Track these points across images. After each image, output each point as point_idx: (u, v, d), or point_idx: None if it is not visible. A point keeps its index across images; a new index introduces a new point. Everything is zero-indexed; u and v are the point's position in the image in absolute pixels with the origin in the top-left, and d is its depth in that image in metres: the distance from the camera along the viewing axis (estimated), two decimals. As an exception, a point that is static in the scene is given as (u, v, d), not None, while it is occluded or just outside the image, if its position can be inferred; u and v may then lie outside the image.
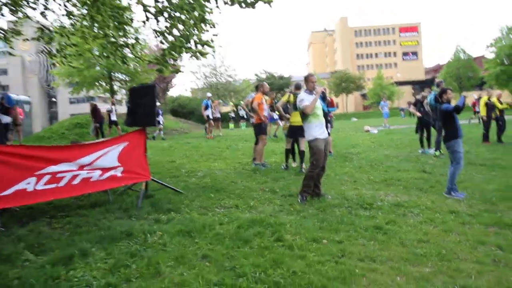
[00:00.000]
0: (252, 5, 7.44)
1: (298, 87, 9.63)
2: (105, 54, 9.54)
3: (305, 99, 6.75)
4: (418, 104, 12.95)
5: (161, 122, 21.11)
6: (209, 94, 21.47)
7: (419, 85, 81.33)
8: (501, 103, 14.76)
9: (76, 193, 6.04)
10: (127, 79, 27.68)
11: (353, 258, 4.29)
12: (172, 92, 71.22)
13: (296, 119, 9.32)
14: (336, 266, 4.08)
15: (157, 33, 8.09)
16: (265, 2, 7.43)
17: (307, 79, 7.00)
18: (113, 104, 19.82)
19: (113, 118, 18.87)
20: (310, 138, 6.74)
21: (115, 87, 27.80)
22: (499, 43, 45.84)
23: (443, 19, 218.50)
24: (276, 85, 51.37)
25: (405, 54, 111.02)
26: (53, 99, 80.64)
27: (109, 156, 6.41)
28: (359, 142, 15.02)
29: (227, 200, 6.68)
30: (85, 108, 51.43)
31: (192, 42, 8.11)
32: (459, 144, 7.45)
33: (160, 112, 21.50)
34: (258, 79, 53.47)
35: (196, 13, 7.71)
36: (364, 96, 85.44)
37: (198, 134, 24.18)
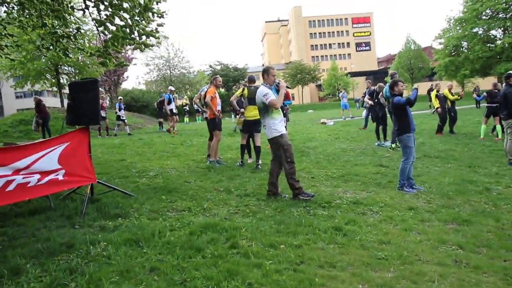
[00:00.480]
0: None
1: (252, 80, 9.34)
2: (44, 45, 8.88)
3: (269, 93, 6.43)
4: (374, 94, 12.91)
5: (122, 118, 20.48)
6: (171, 88, 20.97)
7: (373, 76, 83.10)
8: (452, 94, 15.00)
9: (12, 200, 5.49)
10: (75, 72, 26.53)
11: (312, 265, 4.05)
12: (126, 85, 69.57)
13: (250, 113, 9.03)
14: (295, 274, 3.82)
15: (97, 22, 7.54)
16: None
17: (267, 72, 6.69)
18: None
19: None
20: (275, 134, 6.46)
21: (63, 81, 26.60)
22: (447, 33, 47.14)
23: (395, 8, 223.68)
24: (231, 77, 50.91)
25: (358, 45, 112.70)
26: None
27: (49, 158, 5.88)
28: (316, 136, 14.92)
29: (180, 202, 6.31)
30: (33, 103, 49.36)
31: (136, 33, 7.62)
32: (411, 139, 7.37)
33: (122, 106, 20.80)
34: (212, 70, 52.80)
35: (140, 0, 7.22)
36: (319, 87, 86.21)
37: (152, 129, 23.54)
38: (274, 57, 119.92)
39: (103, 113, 18.81)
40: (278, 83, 6.79)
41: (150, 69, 45.22)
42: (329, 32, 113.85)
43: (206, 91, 9.46)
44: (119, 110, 20.19)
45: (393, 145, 11.59)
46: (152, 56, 45.51)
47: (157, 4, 9.53)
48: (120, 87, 41.89)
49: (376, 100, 12.74)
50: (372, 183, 7.69)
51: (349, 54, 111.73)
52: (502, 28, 45.32)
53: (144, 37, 7.74)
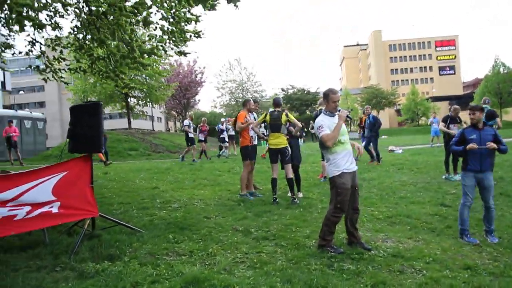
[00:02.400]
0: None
1: (277, 104, 8.36)
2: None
3: (324, 125, 5.30)
4: (449, 120, 11.21)
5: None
6: (222, 120, 20.15)
7: (456, 101, 78.46)
8: None
9: (-6, 235, 4.96)
10: (143, 95, 27.02)
11: None
12: (202, 107, 71.09)
13: (274, 141, 8.03)
14: None
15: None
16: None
17: (327, 96, 5.48)
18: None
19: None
20: (334, 173, 5.25)
21: (131, 103, 27.20)
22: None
23: (484, 30, 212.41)
24: (304, 100, 50.10)
25: (441, 68, 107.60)
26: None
27: (42, 189, 5.30)
28: (380, 165, 13.50)
29: (186, 243, 5.44)
30: (113, 124, 51.70)
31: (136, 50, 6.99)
32: (467, 177, 6.14)
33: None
34: (285, 94, 52.28)
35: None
36: (398, 112, 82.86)
37: (211, 153, 23.15)
38: (352, 82, 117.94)
39: (201, 137, 18.34)
40: (339, 110, 5.57)
41: (222, 92, 45.61)
42: (410, 56, 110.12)
43: (237, 116, 8.67)
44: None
45: None
46: (224, 79, 46.01)
47: (195, 23, 9.08)
48: (192, 110, 42.51)
49: (448, 127, 11.14)
50: (425, 228, 6.34)
51: (431, 78, 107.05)
52: None
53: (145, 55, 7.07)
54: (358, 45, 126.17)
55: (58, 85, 73.72)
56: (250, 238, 5.73)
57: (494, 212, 6.11)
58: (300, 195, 8.73)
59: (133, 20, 6.69)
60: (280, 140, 8.03)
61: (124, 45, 6.83)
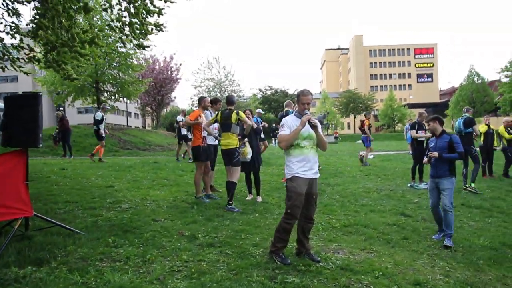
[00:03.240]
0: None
1: (229, 102, 8.02)
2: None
3: (286, 125, 5.01)
4: (416, 127, 11.05)
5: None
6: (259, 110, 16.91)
7: (432, 108, 79.45)
8: (509, 132, 12.89)
9: None
10: (116, 90, 26.37)
11: None
12: (178, 105, 70.23)
13: (224, 141, 7.71)
14: None
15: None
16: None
17: (297, 97, 5.20)
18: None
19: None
20: (286, 176, 5.07)
21: (103, 99, 26.50)
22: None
23: (463, 40, 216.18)
24: (281, 102, 49.91)
25: (420, 76, 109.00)
26: (60, 109, 79.83)
27: (-34, 186, 4.90)
28: (345, 170, 13.30)
29: (125, 248, 5.08)
30: (89, 118, 50.59)
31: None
32: (429, 180, 6.77)
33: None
34: (262, 95, 52.06)
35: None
36: (376, 117, 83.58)
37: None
38: (332, 85, 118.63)
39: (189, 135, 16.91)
40: (306, 113, 5.19)
41: (199, 90, 44.97)
42: (389, 62, 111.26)
43: (191, 114, 8.30)
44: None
45: (473, 184, 10.42)
46: (202, 78, 45.48)
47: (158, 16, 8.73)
48: (167, 106, 41.78)
49: (417, 133, 11.00)
50: (381, 239, 6.10)
51: (409, 85, 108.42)
52: None
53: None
54: (339, 49, 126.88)
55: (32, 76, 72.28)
56: (195, 244, 5.40)
57: (451, 215, 6.22)
58: (259, 199, 8.44)
59: (74, 7, 6.27)
60: (230, 141, 7.67)
61: (63, 33, 6.42)
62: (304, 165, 4.95)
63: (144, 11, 8.22)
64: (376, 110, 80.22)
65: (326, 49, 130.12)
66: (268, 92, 52.83)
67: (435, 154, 6.35)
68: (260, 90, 53.22)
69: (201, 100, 8.53)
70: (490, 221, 7.45)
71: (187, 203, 7.84)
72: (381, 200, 8.86)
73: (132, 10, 7.88)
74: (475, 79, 57.78)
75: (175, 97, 38.64)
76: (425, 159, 6.70)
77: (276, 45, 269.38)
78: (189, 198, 8.26)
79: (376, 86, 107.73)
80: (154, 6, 8.50)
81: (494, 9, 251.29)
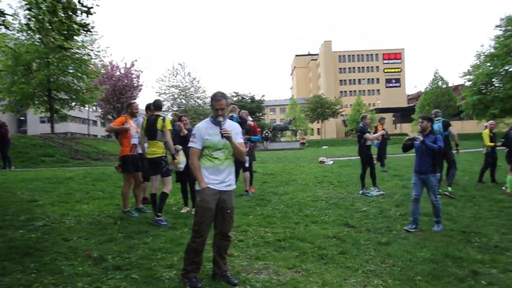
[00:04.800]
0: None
1: (156, 107, 7.39)
2: None
3: (197, 134, 4.42)
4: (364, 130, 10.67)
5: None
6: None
7: (400, 113, 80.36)
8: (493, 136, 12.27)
9: None
10: (70, 98, 25.30)
11: None
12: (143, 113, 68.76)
13: (150, 149, 7.10)
14: None
15: None
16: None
17: (211, 101, 4.58)
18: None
19: None
20: (196, 188, 4.47)
21: (57, 107, 25.37)
22: (476, 70, 44.29)
23: (429, 45, 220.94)
24: (248, 108, 49.47)
25: (388, 81, 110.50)
26: (22, 118, 76.98)
27: None
28: (299, 178, 12.82)
29: (13, 276, 4.41)
30: (59, 127, 48.95)
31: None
32: (413, 175, 7.33)
33: None
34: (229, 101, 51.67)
35: None
36: (345, 122, 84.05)
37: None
38: (302, 91, 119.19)
39: None
40: (220, 121, 4.56)
41: (164, 98, 44.04)
42: (358, 68, 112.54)
43: (115, 121, 7.65)
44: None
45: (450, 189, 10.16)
46: (168, 85, 44.63)
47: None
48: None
49: (363, 140, 10.62)
50: (315, 255, 5.56)
51: (378, 90, 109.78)
52: (537, 67, 42.34)
53: None
54: (309, 54, 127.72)
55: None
56: (100, 267, 4.75)
57: (438, 206, 7.08)
58: (185, 210, 7.88)
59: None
60: (155, 149, 7.05)
61: None
62: (215, 177, 4.39)
63: (68, 10, 7.56)
64: (345, 115, 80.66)
65: (296, 55, 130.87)
66: (234, 99, 52.36)
67: (421, 138, 7.01)
68: (225, 97, 52.60)
69: (128, 106, 7.86)
70: (435, 230, 7.02)
71: (112, 218, 7.16)
72: (327, 209, 8.37)
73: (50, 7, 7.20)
74: (440, 83, 58.56)
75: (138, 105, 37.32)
76: (408, 141, 7.43)
77: (246, 51, 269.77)
78: (117, 212, 7.58)
79: (346, 91, 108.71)
80: (82, 5, 7.86)
81: (459, 15, 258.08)
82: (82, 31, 8.04)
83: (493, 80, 43.70)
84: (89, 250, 5.30)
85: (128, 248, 5.47)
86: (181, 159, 7.50)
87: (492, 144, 11.79)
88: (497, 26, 43.73)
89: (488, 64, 43.25)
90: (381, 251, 5.79)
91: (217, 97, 4.46)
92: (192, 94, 45.42)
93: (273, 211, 8.14)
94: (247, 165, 9.76)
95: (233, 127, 4.49)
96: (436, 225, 7.08)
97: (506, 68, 42.41)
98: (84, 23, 7.91)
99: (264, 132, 43.05)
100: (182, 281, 4.28)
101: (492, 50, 43.17)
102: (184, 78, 45.06)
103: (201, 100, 45.74)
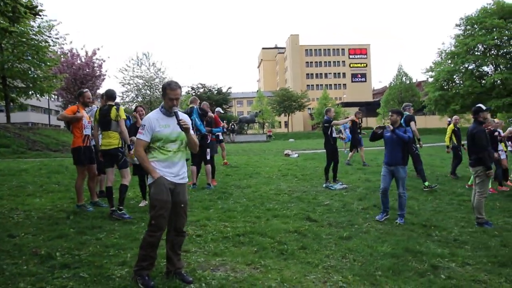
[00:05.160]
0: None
1: (109, 96, 7.06)
2: None
3: (146, 126, 4.11)
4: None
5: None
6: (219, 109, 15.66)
7: (365, 107, 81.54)
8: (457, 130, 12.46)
9: None
10: (27, 86, 24.24)
11: None
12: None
13: (104, 141, 6.80)
14: None
15: None
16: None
17: (164, 90, 4.23)
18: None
19: None
20: (148, 181, 4.20)
21: (12, 95, 24.28)
22: (438, 67, 45.41)
23: (394, 41, 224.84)
24: (214, 100, 49.06)
25: (354, 75, 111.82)
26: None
27: None
28: (263, 170, 12.69)
29: None
30: (18, 117, 47.13)
31: None
32: (383, 167, 7.48)
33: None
34: (194, 93, 50.95)
35: None
36: (311, 116, 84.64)
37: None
38: (270, 84, 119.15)
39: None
40: (175, 112, 4.30)
41: (127, 88, 42.99)
42: (325, 62, 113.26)
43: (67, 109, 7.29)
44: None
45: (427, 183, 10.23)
46: (131, 75, 43.55)
47: None
48: (91, 105, 39.25)
49: (329, 132, 10.59)
50: (275, 250, 5.41)
51: (344, 85, 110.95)
52: (493, 65, 43.79)
53: None
54: (276, 47, 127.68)
55: None
56: (46, 266, 4.45)
57: (404, 199, 7.19)
58: (143, 204, 7.61)
59: None
60: (111, 140, 6.74)
61: None
62: (169, 170, 4.17)
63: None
64: (311, 109, 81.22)
65: (263, 48, 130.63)
66: (201, 90, 51.76)
67: (391, 127, 7.14)
68: (192, 88, 52.03)
69: (80, 94, 7.49)
70: (397, 224, 7.00)
71: (65, 212, 6.82)
72: (290, 203, 8.26)
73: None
74: (404, 79, 59.76)
75: (98, 95, 36.03)
76: (378, 129, 7.56)
77: (214, 43, 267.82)
78: (71, 207, 7.23)
79: (312, 85, 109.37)
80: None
81: (423, 12, 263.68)
82: (30, 14, 7.56)
83: (454, 77, 44.90)
84: (36, 247, 4.98)
85: (79, 245, 5.18)
86: None
87: (448, 140, 12.14)
88: (457, 25, 44.95)
89: (449, 61, 44.39)
90: (342, 246, 5.70)
91: (172, 86, 4.18)
92: (157, 85, 44.50)
93: (234, 204, 7.97)
94: (208, 157, 9.54)
95: (186, 118, 4.27)
96: (399, 218, 7.11)
97: (466, 66, 43.69)
98: (31, 5, 7.45)
99: (231, 124, 42.85)
100: (134, 279, 4.05)
101: (453, 48, 44.35)
102: (149, 69, 44.09)
103: (166, 91, 44.91)
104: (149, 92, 43.96)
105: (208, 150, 9.56)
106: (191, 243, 5.49)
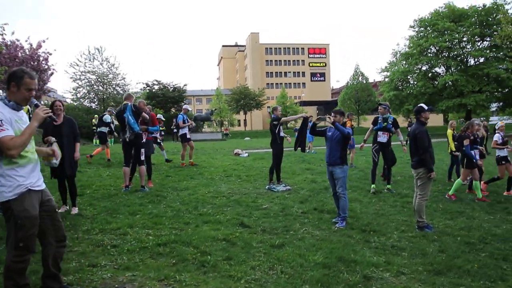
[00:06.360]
0: None
1: None
2: None
3: (4, 119, 3.31)
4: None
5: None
6: (187, 107, 15.10)
7: (324, 106, 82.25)
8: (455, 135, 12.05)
9: None
10: None
11: None
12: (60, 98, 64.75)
13: None
14: None
15: None
16: None
17: (20, 78, 3.43)
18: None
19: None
20: (7, 197, 3.33)
21: None
22: (393, 67, 46.22)
23: (353, 40, 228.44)
24: (170, 97, 47.93)
25: (313, 75, 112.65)
26: None
27: None
28: (208, 171, 12.16)
29: None
30: None
31: None
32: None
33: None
34: (149, 89, 49.73)
35: None
36: (270, 114, 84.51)
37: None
38: (229, 82, 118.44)
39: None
40: (35, 104, 3.66)
41: (79, 84, 41.29)
42: (285, 61, 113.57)
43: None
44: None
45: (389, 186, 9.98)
46: (83, 70, 41.86)
47: None
48: (40, 100, 37.65)
49: (277, 131, 10.20)
50: (197, 261, 4.88)
51: (303, 83, 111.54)
52: (445, 66, 44.93)
53: None
54: (236, 45, 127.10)
55: None
56: None
57: (344, 200, 6.86)
58: (75, 211, 6.94)
59: None
60: None
61: None
62: (34, 174, 3.55)
63: None
64: (270, 107, 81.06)
65: (223, 46, 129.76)
66: (156, 87, 50.48)
67: (331, 119, 6.80)
68: (147, 85, 50.63)
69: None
70: (335, 229, 6.62)
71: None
72: (226, 207, 7.77)
73: None
74: (360, 78, 60.57)
75: (50, 90, 34.01)
76: (318, 120, 7.36)
77: (174, 40, 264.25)
78: None
79: (272, 84, 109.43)
80: None
81: (381, 13, 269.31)
82: None
83: (408, 77, 45.77)
84: None
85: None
86: (56, 153, 6.50)
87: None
88: (411, 27, 45.88)
89: (404, 62, 45.22)
90: (272, 255, 5.23)
91: (32, 75, 3.50)
92: (110, 81, 43.03)
93: (165, 209, 7.40)
94: (142, 158, 8.91)
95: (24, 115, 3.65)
96: (340, 221, 6.81)
97: (419, 66, 44.64)
98: None
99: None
100: None
101: (407, 49, 45.20)
102: (102, 64, 42.51)
103: (120, 87, 43.46)
104: (101, 88, 42.43)
105: (143, 150, 8.94)
106: (102, 256, 4.91)
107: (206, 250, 5.30)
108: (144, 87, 51.88)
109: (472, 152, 9.22)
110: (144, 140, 9.13)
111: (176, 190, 9.11)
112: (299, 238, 6.06)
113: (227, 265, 4.85)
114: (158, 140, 13.43)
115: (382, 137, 9.88)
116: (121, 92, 43.21)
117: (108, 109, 16.58)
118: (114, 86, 43.49)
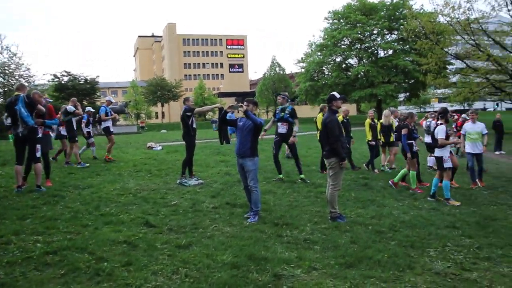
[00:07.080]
0: None
1: None
2: None
3: None
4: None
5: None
6: (110, 98, 14.52)
7: (242, 97, 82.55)
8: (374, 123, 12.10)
9: None
10: None
11: None
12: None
13: None
14: None
15: None
16: None
17: None
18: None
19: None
20: None
21: None
22: (308, 58, 47.25)
23: (270, 32, 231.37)
24: (80, 90, 45.44)
25: (231, 66, 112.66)
26: None
27: None
28: (117, 166, 11.42)
29: None
30: None
31: None
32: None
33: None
34: (58, 81, 46.82)
35: None
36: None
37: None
38: (146, 73, 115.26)
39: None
40: None
41: (-24, 74, 37.82)
42: (203, 52, 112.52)
43: None
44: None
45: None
46: (-18, 60, 38.37)
47: None
48: None
49: (190, 122, 9.73)
50: (90, 270, 4.33)
51: (222, 75, 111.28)
52: (357, 58, 46.73)
53: None
54: (153, 36, 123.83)
55: None
56: None
57: (256, 194, 6.54)
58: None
59: None
60: None
61: None
62: None
63: None
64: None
65: (139, 36, 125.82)
66: (65, 79, 47.60)
67: (244, 107, 6.59)
68: (55, 76, 47.59)
69: None
70: (247, 224, 6.33)
71: None
72: (131, 205, 7.20)
73: None
74: (277, 69, 61.37)
75: None
76: (230, 108, 7.10)
77: (87, 29, 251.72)
78: None
79: (190, 75, 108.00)
80: None
81: (297, 5, 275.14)
82: None
83: (323, 68, 47.01)
84: None
85: None
86: None
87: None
88: (325, 19, 47.11)
89: (319, 53, 46.34)
90: (177, 257, 4.81)
91: None
92: (13, 71, 39.83)
93: (62, 210, 6.68)
94: (38, 154, 8.06)
95: None
96: (252, 216, 6.52)
97: (334, 58, 46.03)
98: None
99: (97, 115, 39.97)
100: None
101: (322, 41, 46.38)
102: (2, 53, 39.20)
103: (24, 78, 40.36)
104: (2, 80, 39.20)
105: (38, 146, 8.08)
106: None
107: (103, 255, 4.75)
108: (52, 79, 48.85)
109: (411, 142, 9.21)
110: (40, 135, 8.25)
111: (77, 189, 8.35)
112: (208, 236, 5.70)
113: (125, 272, 4.36)
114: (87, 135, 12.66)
115: (281, 128, 9.77)
116: (26, 84, 40.21)
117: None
118: (17, 77, 40.37)
